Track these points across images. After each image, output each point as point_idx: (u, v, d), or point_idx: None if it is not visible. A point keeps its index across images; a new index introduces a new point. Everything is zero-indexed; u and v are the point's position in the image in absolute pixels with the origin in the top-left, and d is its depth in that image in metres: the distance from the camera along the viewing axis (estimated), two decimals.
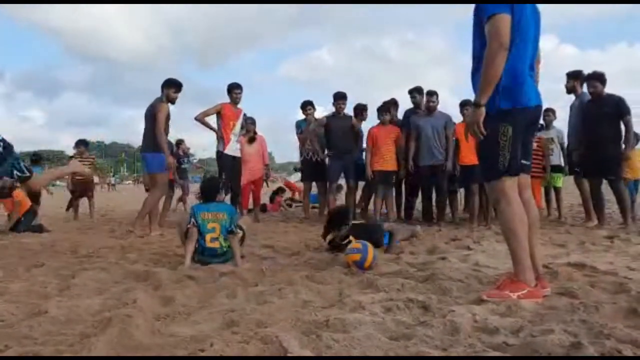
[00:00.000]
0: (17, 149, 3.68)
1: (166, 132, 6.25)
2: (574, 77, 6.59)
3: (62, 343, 1.97)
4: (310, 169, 8.19)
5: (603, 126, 5.99)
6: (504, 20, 2.53)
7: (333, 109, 7.85)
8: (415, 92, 7.50)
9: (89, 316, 2.41)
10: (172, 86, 6.36)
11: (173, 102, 6.40)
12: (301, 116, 8.37)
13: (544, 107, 3.12)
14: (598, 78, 6.08)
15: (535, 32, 2.74)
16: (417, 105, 7.50)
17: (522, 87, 2.67)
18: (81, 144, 9.28)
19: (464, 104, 6.90)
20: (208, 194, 4.15)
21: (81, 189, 9.24)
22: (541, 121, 6.52)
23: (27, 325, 2.22)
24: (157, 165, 6.19)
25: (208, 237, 3.88)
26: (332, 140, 7.70)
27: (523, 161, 2.78)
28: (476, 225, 6.50)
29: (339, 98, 7.75)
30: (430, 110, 7.16)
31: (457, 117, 7.22)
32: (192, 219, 3.90)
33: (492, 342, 1.91)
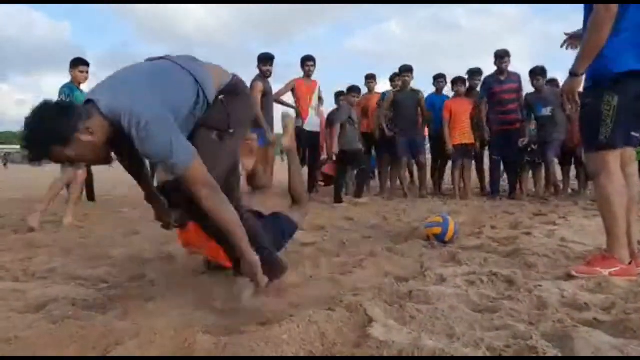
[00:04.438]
0: None
1: (264, 108, 6.44)
2: None
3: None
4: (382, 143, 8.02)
5: None
6: None
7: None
8: (506, 56, 7.04)
9: (186, 279, 2.57)
10: (260, 61, 6.56)
11: (267, 76, 6.56)
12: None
13: None
14: None
15: None
16: (502, 71, 7.11)
17: (634, 49, 2.44)
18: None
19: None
20: None
21: None
22: None
23: (130, 287, 2.42)
24: (260, 140, 6.48)
25: None
26: (399, 116, 7.56)
27: (633, 133, 2.56)
28: (561, 199, 6.24)
29: (404, 71, 7.58)
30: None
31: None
32: None
33: (582, 318, 1.86)
